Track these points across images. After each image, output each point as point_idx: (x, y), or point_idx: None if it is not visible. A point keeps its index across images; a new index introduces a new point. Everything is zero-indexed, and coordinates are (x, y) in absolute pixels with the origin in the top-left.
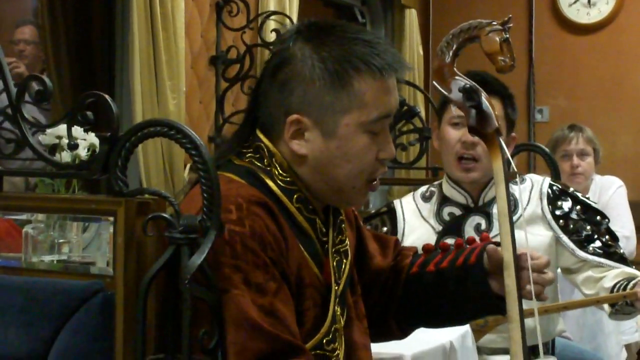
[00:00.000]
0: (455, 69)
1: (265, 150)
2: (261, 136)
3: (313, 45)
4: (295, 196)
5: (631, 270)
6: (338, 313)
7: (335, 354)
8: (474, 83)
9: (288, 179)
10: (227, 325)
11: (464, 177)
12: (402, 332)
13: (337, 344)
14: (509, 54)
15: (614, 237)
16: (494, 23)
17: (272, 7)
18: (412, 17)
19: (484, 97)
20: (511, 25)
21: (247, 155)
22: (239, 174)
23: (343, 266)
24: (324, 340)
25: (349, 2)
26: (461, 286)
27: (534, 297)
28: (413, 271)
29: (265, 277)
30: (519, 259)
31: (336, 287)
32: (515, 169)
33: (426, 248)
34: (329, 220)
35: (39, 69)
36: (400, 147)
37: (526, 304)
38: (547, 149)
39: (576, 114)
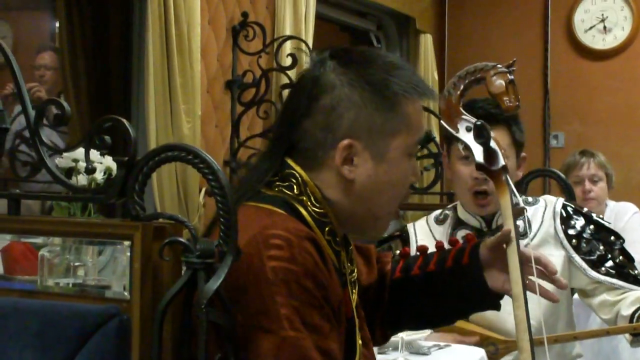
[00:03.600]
0: (461, 108)
1: (299, 178)
2: (292, 164)
3: (354, 70)
4: (327, 228)
5: None
6: (360, 345)
7: None
8: (483, 122)
9: (320, 210)
10: None
11: (480, 212)
12: (384, 338)
13: None
14: (513, 95)
15: (629, 258)
16: (498, 66)
17: (288, 31)
18: (427, 42)
19: (492, 134)
20: (515, 68)
21: (276, 184)
22: (276, 204)
23: (354, 296)
24: None
25: (364, 28)
26: (454, 287)
27: (537, 291)
28: (396, 277)
29: (320, 318)
30: (522, 255)
31: (357, 319)
32: (522, 204)
33: (402, 253)
34: (344, 251)
35: (57, 92)
36: None
37: (536, 334)
38: (561, 173)
39: (591, 140)
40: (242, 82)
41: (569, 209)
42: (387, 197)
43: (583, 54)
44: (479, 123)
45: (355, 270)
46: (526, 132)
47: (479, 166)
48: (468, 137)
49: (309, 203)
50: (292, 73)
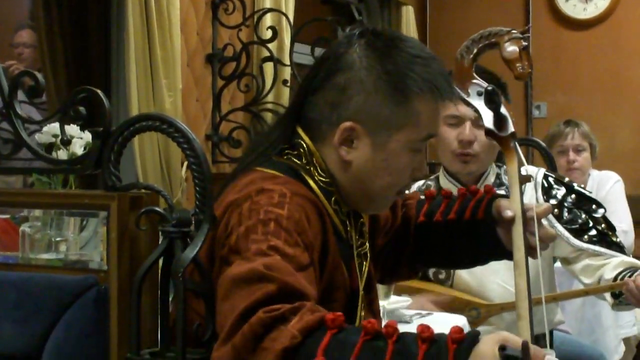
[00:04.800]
0: (473, 73)
1: (306, 149)
2: (302, 134)
3: (378, 56)
4: (333, 198)
5: (632, 260)
6: (363, 317)
7: None
8: (494, 87)
9: (327, 179)
10: (235, 285)
11: (461, 169)
12: (413, 273)
13: None
14: (527, 62)
15: (611, 226)
16: (513, 31)
17: (267, 4)
18: (408, 14)
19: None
20: (529, 34)
21: (285, 152)
22: (282, 170)
23: (364, 268)
24: None
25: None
26: (471, 238)
27: (538, 249)
28: (420, 220)
29: (294, 252)
30: (525, 211)
31: (362, 292)
32: (529, 172)
33: (428, 194)
34: (352, 224)
35: (36, 69)
36: None
37: (511, 297)
38: (543, 143)
39: (574, 110)
40: (223, 56)
41: (550, 179)
42: (382, 184)
43: (565, 23)
44: (490, 88)
45: (367, 244)
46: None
47: (488, 131)
48: (478, 102)
49: (315, 173)
50: (272, 46)
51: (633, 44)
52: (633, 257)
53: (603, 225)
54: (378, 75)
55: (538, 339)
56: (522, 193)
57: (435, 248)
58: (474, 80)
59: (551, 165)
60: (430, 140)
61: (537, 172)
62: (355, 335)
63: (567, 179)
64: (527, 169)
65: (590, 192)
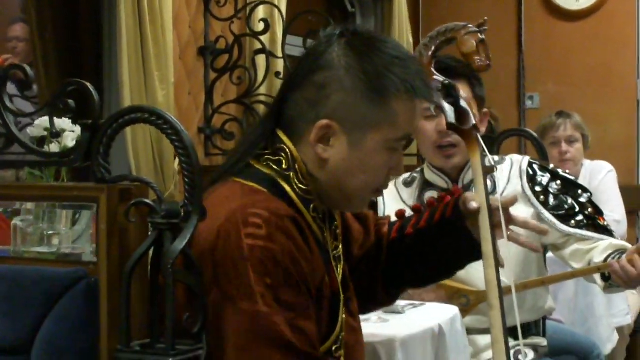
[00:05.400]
0: (433, 69)
1: (289, 154)
2: (284, 138)
3: (357, 55)
4: (311, 206)
5: (620, 242)
6: (346, 318)
7: (340, 358)
8: (450, 81)
9: (305, 187)
10: (255, 342)
11: (445, 164)
12: (390, 298)
13: (342, 349)
14: (484, 54)
15: (598, 210)
16: (469, 26)
17: None
18: (401, 5)
19: (461, 93)
20: (486, 28)
21: (265, 157)
22: (262, 183)
23: (339, 270)
24: (333, 348)
25: None
26: (443, 240)
27: (505, 235)
28: (392, 237)
29: (295, 295)
30: (489, 202)
31: (342, 295)
32: (493, 163)
33: (398, 214)
34: (327, 228)
35: (29, 63)
36: None
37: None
38: (534, 133)
39: (566, 100)
40: (215, 49)
41: (535, 166)
42: (359, 182)
43: (557, 14)
44: (447, 82)
45: (340, 246)
46: (501, 93)
47: (449, 126)
48: (438, 97)
49: (295, 180)
50: (264, 38)
51: (625, 35)
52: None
53: (590, 210)
54: (356, 74)
55: (530, 327)
56: (486, 184)
57: (409, 262)
58: (435, 77)
59: (543, 156)
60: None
61: (522, 160)
62: None
63: (551, 166)
64: (491, 160)
65: (576, 178)
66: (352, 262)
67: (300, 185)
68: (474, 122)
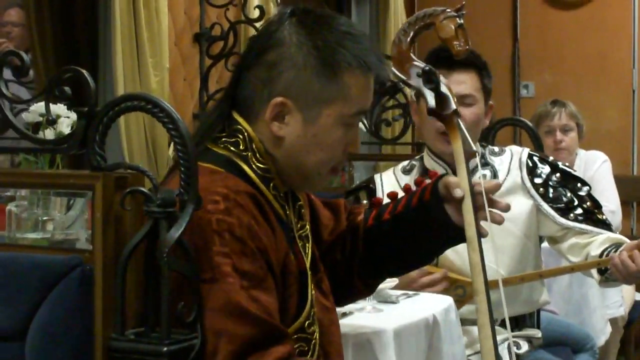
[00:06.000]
0: (412, 54)
1: (245, 134)
2: (239, 119)
3: (308, 32)
4: (271, 184)
5: (617, 236)
6: (318, 297)
7: (314, 336)
8: (431, 66)
9: (264, 166)
10: (213, 313)
11: (446, 148)
12: (368, 289)
13: (315, 325)
14: (463, 39)
15: (597, 204)
16: (447, 10)
17: None
18: None
19: (442, 79)
20: (464, 12)
21: (222, 140)
22: (219, 163)
23: (307, 249)
24: (306, 324)
25: None
26: (421, 225)
27: (488, 218)
28: (369, 225)
29: (252, 266)
30: (473, 188)
31: (310, 272)
32: (474, 148)
33: (375, 202)
34: (290, 207)
35: (25, 48)
36: (384, 123)
37: (495, 275)
38: (529, 123)
39: (561, 89)
40: (210, 35)
41: (534, 158)
42: (316, 159)
43: (552, 3)
44: (427, 68)
45: (307, 226)
46: (496, 82)
47: (430, 111)
48: (419, 83)
49: (253, 159)
50: (260, 25)
51: (620, 23)
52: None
53: (588, 203)
54: (308, 51)
55: (524, 318)
56: (468, 169)
57: (386, 249)
58: (414, 62)
59: (538, 146)
60: (415, 120)
61: (522, 152)
62: None
63: (551, 158)
64: (472, 146)
65: (575, 171)
66: (322, 246)
67: (259, 164)
68: (454, 107)
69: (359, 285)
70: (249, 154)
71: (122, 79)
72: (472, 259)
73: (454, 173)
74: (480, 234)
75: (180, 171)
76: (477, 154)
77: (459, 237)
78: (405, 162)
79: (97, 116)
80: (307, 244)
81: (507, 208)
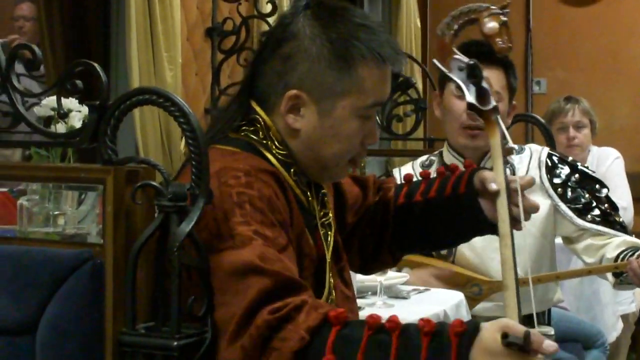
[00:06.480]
0: (454, 48)
1: (263, 123)
2: (257, 108)
3: (322, 25)
4: (292, 169)
5: (633, 239)
6: (332, 284)
7: None
8: (475, 61)
9: (284, 152)
10: (232, 278)
11: (469, 143)
12: (394, 260)
13: None
14: (506, 37)
15: (614, 206)
16: (492, 7)
17: None
18: None
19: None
20: (509, 10)
21: (242, 129)
22: (239, 146)
23: (329, 238)
24: None
25: None
26: (453, 214)
27: (522, 219)
28: (400, 202)
29: (273, 233)
30: (508, 184)
31: (330, 260)
32: (512, 144)
33: (407, 178)
34: (313, 194)
35: (36, 42)
36: (396, 118)
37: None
38: (542, 120)
39: (574, 86)
40: (222, 30)
41: (554, 158)
42: (333, 151)
43: None
44: (472, 62)
45: (330, 214)
46: None
47: (470, 106)
48: (460, 77)
49: (273, 146)
50: (272, 20)
51: (633, 20)
52: (632, 233)
53: (606, 205)
54: (322, 43)
55: (537, 316)
56: (505, 165)
57: (417, 229)
58: (456, 56)
59: (551, 142)
60: (436, 114)
61: (541, 151)
62: (359, 331)
63: (570, 158)
64: (510, 142)
65: (594, 172)
66: (347, 229)
67: (279, 151)
68: (494, 103)
69: (387, 257)
70: (269, 142)
71: (137, 73)
72: (504, 254)
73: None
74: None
75: (191, 165)
76: (514, 150)
77: (489, 229)
78: (424, 157)
79: (108, 110)
80: (329, 232)
81: (536, 208)
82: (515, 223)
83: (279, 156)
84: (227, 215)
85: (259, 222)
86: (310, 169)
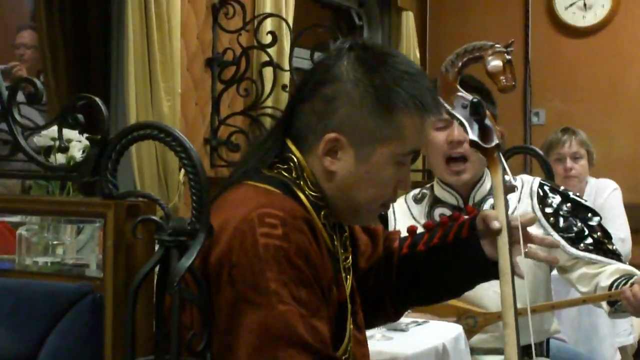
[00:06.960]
0: (458, 85)
1: (297, 162)
2: (292, 147)
3: (366, 69)
4: (322, 212)
5: (627, 267)
6: (352, 330)
7: None
8: (479, 99)
9: (317, 194)
10: (270, 341)
11: (455, 181)
12: (396, 314)
13: (350, 359)
14: (510, 75)
15: (607, 234)
16: (497, 46)
17: (268, 9)
18: (408, 19)
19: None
20: (513, 49)
21: (276, 166)
22: (273, 184)
23: (348, 281)
24: (343, 359)
25: (346, 5)
26: (455, 260)
27: (522, 252)
28: (403, 253)
29: (308, 294)
30: (510, 221)
31: (349, 305)
32: (514, 182)
33: (410, 230)
34: (338, 237)
35: (37, 70)
36: None
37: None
38: (540, 151)
39: (572, 117)
40: (222, 60)
41: (545, 187)
42: (367, 195)
43: (564, 31)
44: (475, 100)
45: (350, 257)
46: (507, 109)
47: (472, 143)
48: (463, 114)
49: (306, 187)
50: (272, 51)
51: (631, 52)
52: (630, 265)
53: (599, 234)
54: (365, 88)
55: (530, 348)
56: (506, 203)
57: (419, 279)
58: (459, 93)
59: (549, 174)
60: (422, 150)
61: (533, 181)
62: None
63: (562, 187)
64: (512, 180)
65: (586, 201)
66: (358, 274)
67: (312, 192)
68: (497, 141)
69: (389, 310)
70: (302, 182)
71: (134, 103)
72: (504, 292)
73: (465, 202)
74: (514, 271)
75: (192, 200)
76: (516, 188)
77: (491, 272)
78: (416, 190)
79: (109, 144)
80: (348, 276)
81: (541, 242)
82: (515, 268)
83: (311, 197)
84: (263, 268)
85: (296, 281)
86: (342, 212)
